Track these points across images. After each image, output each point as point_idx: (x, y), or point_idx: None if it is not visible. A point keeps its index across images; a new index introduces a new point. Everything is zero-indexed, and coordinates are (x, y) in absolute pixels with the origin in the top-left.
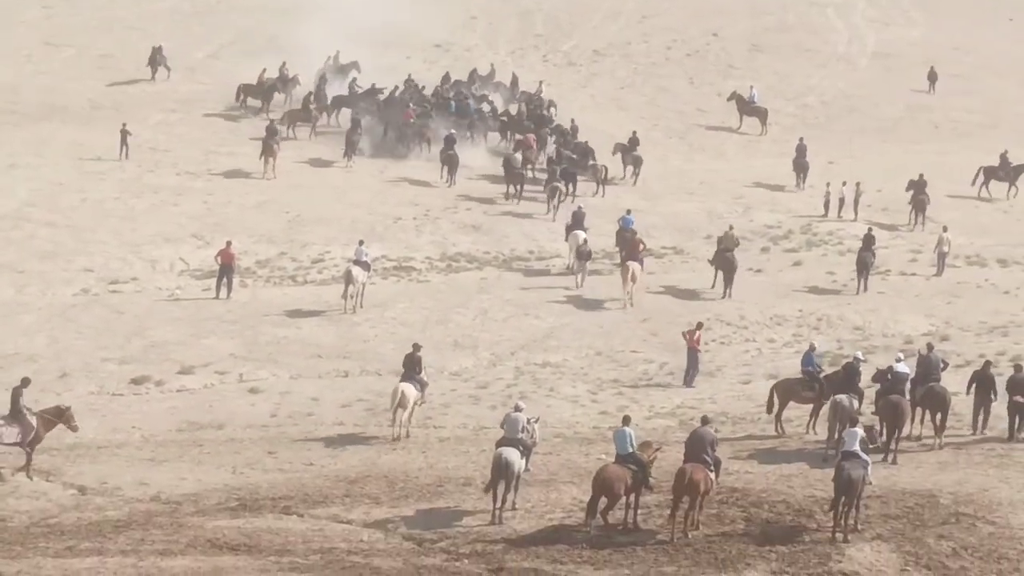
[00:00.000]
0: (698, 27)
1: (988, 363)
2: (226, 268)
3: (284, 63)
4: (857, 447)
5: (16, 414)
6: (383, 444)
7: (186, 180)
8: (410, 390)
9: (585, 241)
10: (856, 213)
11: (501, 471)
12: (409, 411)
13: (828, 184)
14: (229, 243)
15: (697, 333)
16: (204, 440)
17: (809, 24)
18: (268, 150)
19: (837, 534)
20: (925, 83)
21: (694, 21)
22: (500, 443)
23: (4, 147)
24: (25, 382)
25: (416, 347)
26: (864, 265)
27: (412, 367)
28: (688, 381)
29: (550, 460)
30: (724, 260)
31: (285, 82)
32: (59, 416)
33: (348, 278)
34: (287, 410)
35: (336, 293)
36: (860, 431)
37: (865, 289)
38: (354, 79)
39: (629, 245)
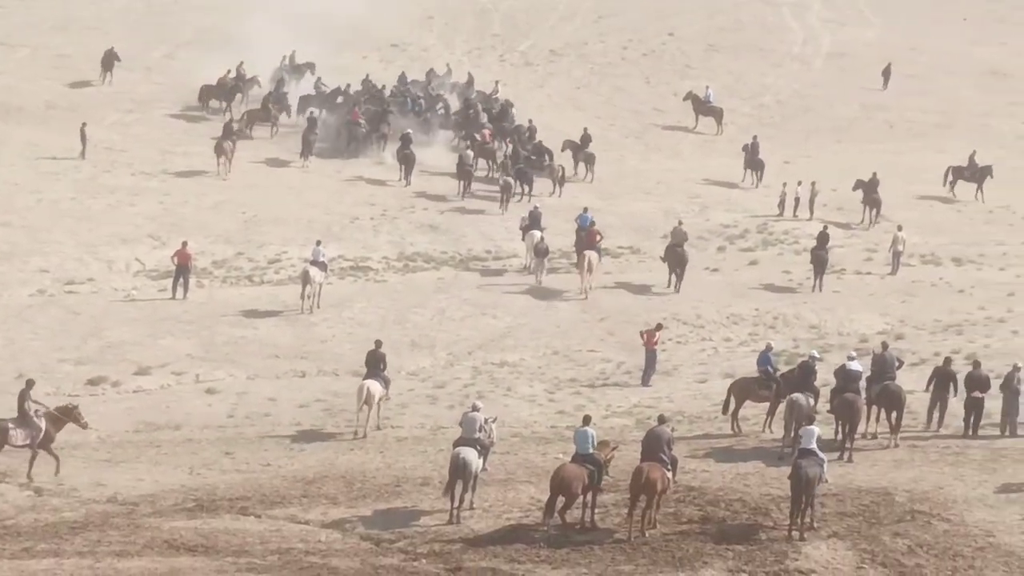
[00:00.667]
0: (654, 27)
1: (948, 360)
2: (182, 268)
3: (241, 63)
4: (814, 445)
5: (24, 416)
6: (341, 444)
7: (142, 180)
8: (375, 387)
9: (542, 239)
10: (811, 212)
11: (458, 471)
12: (374, 408)
13: (784, 184)
14: (185, 243)
15: (656, 334)
16: (161, 441)
17: (764, 24)
18: (219, 149)
19: (793, 532)
20: (879, 80)
21: (650, 21)
22: (457, 443)
23: None
24: (30, 384)
25: (378, 344)
26: (820, 263)
27: (375, 364)
28: (645, 380)
29: (507, 459)
30: (674, 255)
31: (243, 82)
32: (67, 414)
33: (305, 278)
34: (244, 411)
35: (293, 293)
36: (816, 429)
37: (821, 288)
38: (319, 79)
39: (586, 235)
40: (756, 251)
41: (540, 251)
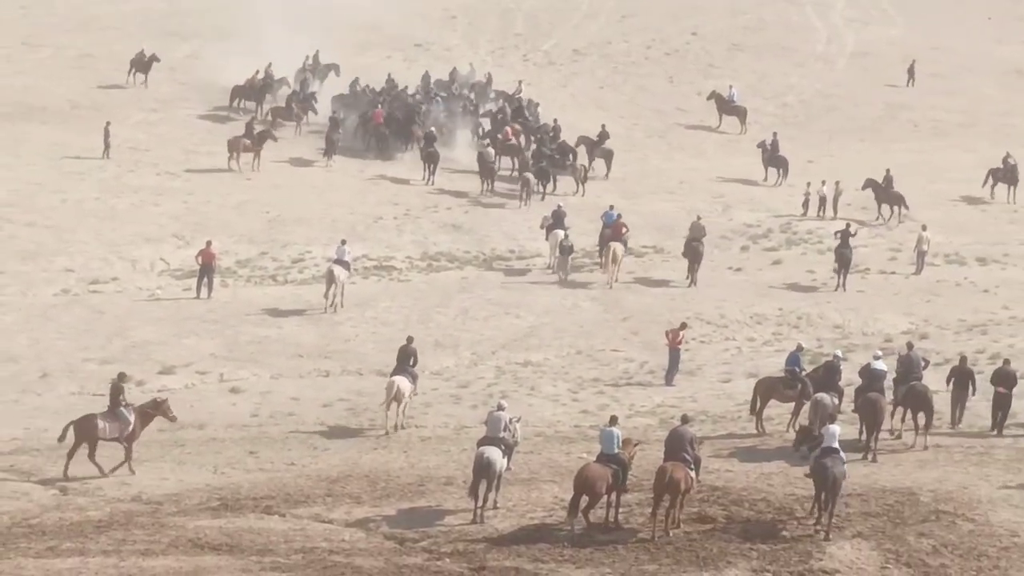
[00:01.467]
0: (677, 26)
1: (964, 358)
2: (207, 268)
3: (270, 64)
4: (836, 444)
5: (115, 409)
6: (364, 443)
7: (166, 180)
8: (404, 383)
9: (567, 236)
10: (835, 212)
11: (482, 470)
12: (403, 404)
13: (808, 183)
14: (209, 243)
15: (681, 333)
16: (185, 440)
17: (788, 23)
18: (232, 144)
19: (818, 531)
20: (903, 79)
21: (673, 20)
22: (482, 442)
23: None
24: (122, 377)
25: (410, 340)
26: (844, 261)
27: (405, 359)
28: (669, 380)
29: (531, 459)
30: (691, 249)
31: (273, 83)
32: (156, 409)
33: (330, 277)
34: (268, 410)
35: (317, 293)
36: (838, 428)
37: (845, 287)
38: (356, 79)
39: (613, 229)
40: (780, 250)
41: (565, 249)
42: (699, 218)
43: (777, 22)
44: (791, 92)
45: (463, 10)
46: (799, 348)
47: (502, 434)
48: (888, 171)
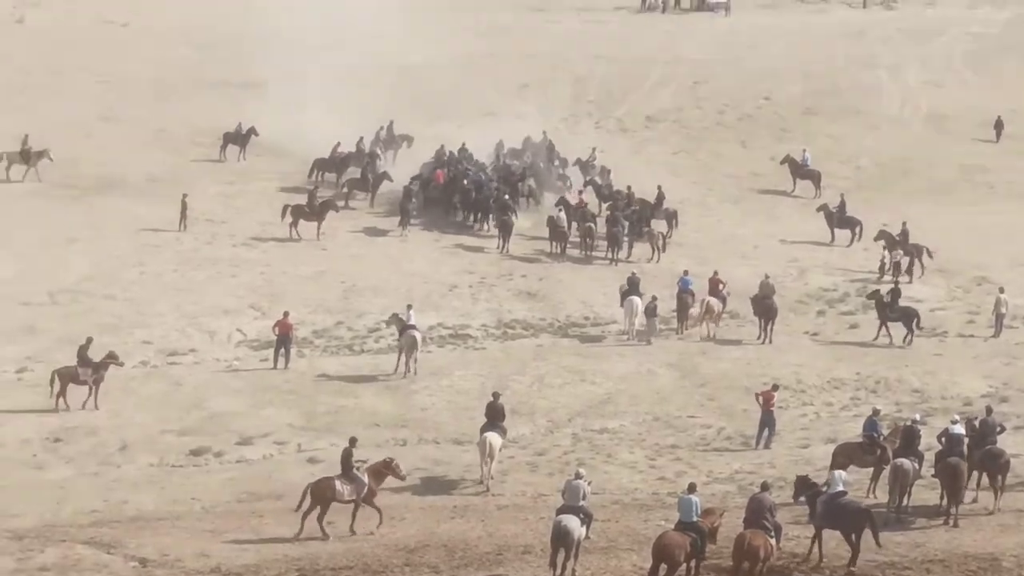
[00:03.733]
0: (750, 91)
1: None
2: (283, 338)
3: (361, 139)
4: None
5: (348, 472)
6: (442, 512)
7: (243, 251)
8: (496, 439)
9: (653, 298)
10: (912, 275)
11: (561, 538)
12: (495, 460)
13: (884, 246)
14: (286, 313)
15: (774, 394)
16: (264, 511)
17: (861, 86)
18: (298, 212)
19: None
20: (980, 140)
21: (746, 85)
22: (560, 510)
23: (63, 222)
24: (353, 441)
25: (496, 395)
26: (910, 316)
27: (495, 416)
28: (767, 443)
29: (609, 527)
30: (763, 307)
31: (361, 155)
32: (387, 468)
33: (411, 343)
34: None
35: (393, 362)
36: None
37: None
38: (441, 146)
39: (709, 284)
40: (856, 314)
41: (650, 310)
42: (768, 277)
43: (851, 86)
44: (865, 155)
45: (536, 79)
46: (875, 412)
47: (581, 503)
48: (904, 224)
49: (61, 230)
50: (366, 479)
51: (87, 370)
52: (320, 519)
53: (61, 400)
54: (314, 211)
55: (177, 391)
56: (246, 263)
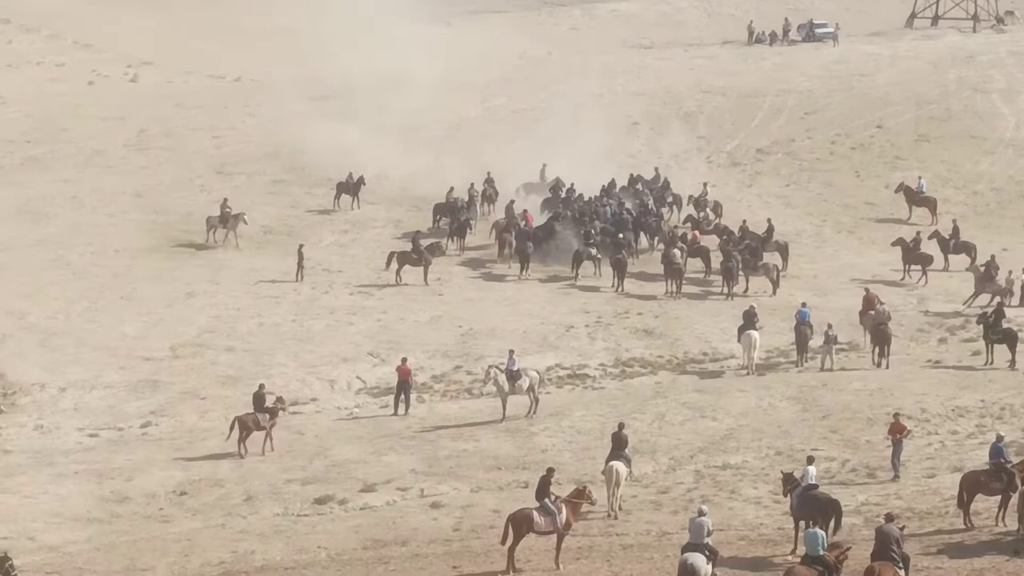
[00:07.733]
0: (861, 120)
1: None
2: (403, 384)
3: (472, 184)
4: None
5: (543, 504)
6: (567, 554)
7: (360, 299)
8: (622, 468)
9: (830, 326)
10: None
11: None
12: (621, 488)
13: (1010, 271)
14: (405, 359)
15: (903, 424)
16: (389, 557)
17: (975, 111)
18: (402, 258)
19: None
20: None
21: (857, 114)
22: (685, 548)
23: (181, 276)
24: (551, 472)
25: (621, 426)
26: (1012, 338)
27: (620, 445)
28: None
29: (736, 563)
30: (879, 333)
31: (474, 199)
32: (580, 496)
33: (532, 387)
34: (470, 523)
35: (513, 404)
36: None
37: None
38: (557, 179)
39: (864, 302)
40: (978, 341)
41: (830, 338)
42: (881, 303)
43: (964, 111)
44: (982, 180)
45: (645, 116)
46: (999, 439)
47: (706, 540)
48: (918, 233)
49: (180, 284)
50: (563, 509)
51: (265, 416)
52: (511, 548)
53: (242, 446)
54: (420, 256)
55: (299, 440)
56: (363, 311)
